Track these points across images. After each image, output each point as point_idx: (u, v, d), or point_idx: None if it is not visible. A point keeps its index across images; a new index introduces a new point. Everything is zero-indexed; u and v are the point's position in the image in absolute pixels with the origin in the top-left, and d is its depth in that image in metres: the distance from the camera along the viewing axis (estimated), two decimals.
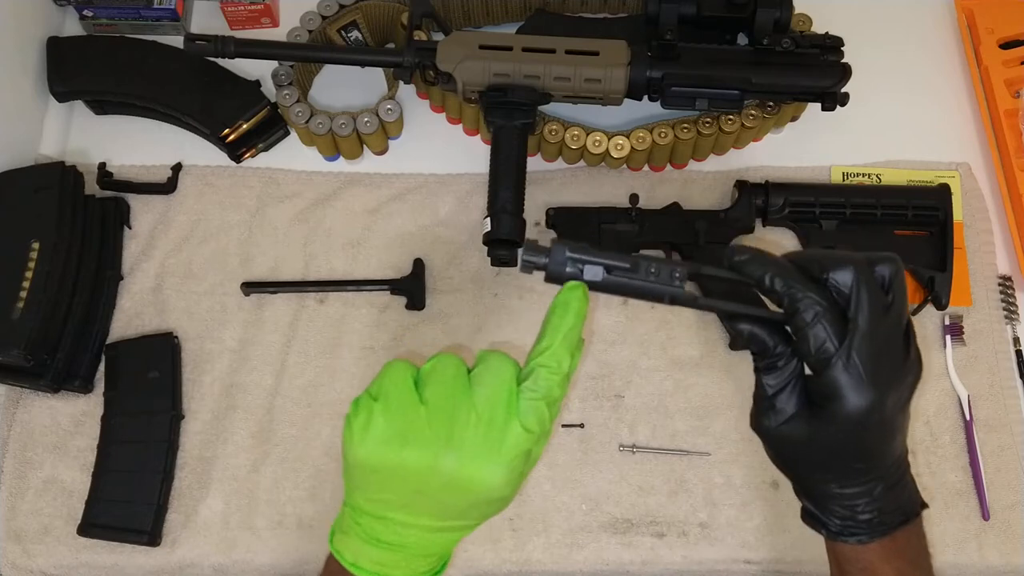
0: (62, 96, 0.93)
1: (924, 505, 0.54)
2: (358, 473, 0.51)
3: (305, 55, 0.88)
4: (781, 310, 0.49)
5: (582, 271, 0.50)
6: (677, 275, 0.50)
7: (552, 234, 0.89)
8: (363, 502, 0.52)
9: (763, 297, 0.51)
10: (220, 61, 0.91)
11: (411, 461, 0.49)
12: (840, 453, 0.50)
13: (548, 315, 0.51)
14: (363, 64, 0.86)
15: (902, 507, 0.52)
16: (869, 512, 0.51)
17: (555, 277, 0.50)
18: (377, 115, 0.88)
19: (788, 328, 0.50)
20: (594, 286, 0.50)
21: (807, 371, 0.50)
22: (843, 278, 0.48)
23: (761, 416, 0.52)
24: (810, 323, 0.47)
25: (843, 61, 0.84)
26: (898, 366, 0.48)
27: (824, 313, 0.47)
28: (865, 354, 0.47)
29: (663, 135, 0.87)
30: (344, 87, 0.95)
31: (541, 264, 0.50)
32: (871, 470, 0.50)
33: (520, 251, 0.49)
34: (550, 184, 0.92)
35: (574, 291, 0.50)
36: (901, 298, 0.49)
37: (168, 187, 0.92)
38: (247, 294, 0.88)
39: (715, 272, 0.51)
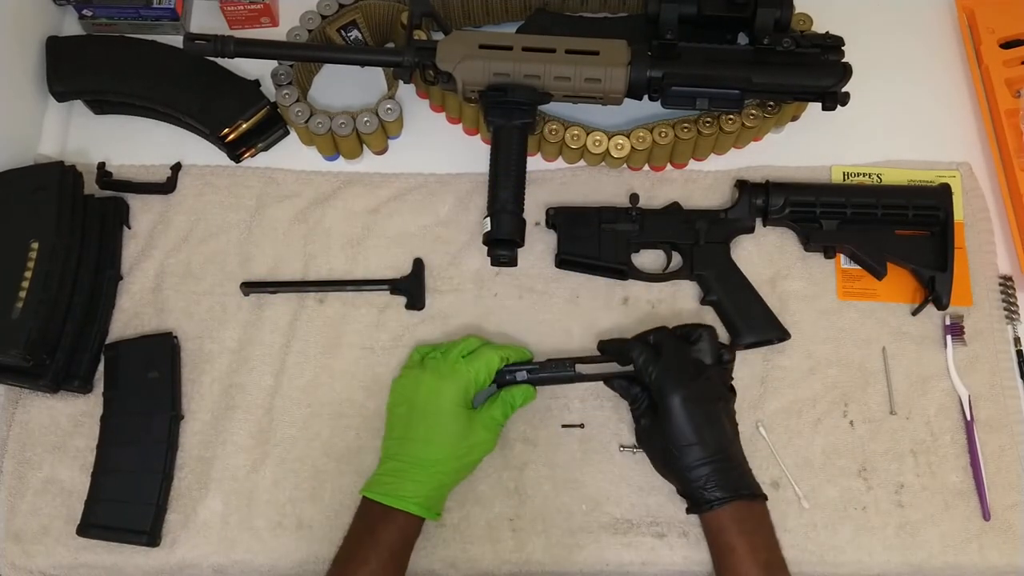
0: (61, 96, 0.93)
1: (764, 496, 0.76)
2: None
3: (305, 55, 0.88)
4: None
5: (515, 375, 0.80)
6: (568, 364, 0.80)
7: (552, 234, 0.89)
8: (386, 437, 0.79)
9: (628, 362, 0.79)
10: (219, 61, 0.91)
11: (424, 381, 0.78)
12: (680, 436, 0.74)
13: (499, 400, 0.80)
14: (363, 64, 0.86)
15: (740, 488, 0.74)
16: (715, 488, 0.73)
17: (499, 383, 0.80)
18: (377, 115, 0.88)
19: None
20: (528, 382, 0.80)
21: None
22: (655, 336, 0.79)
23: (639, 437, 0.80)
24: (638, 357, 0.77)
25: (843, 60, 0.83)
26: (702, 383, 0.76)
27: (645, 350, 0.77)
28: (670, 365, 0.76)
29: (663, 135, 0.87)
30: (344, 87, 0.95)
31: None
32: (705, 448, 0.73)
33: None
34: (550, 184, 0.92)
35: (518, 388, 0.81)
36: (705, 342, 0.79)
37: (167, 187, 0.91)
38: (246, 294, 0.88)
39: (590, 360, 0.81)
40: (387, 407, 0.81)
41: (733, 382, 0.84)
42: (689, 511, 0.76)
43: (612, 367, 0.80)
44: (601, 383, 0.82)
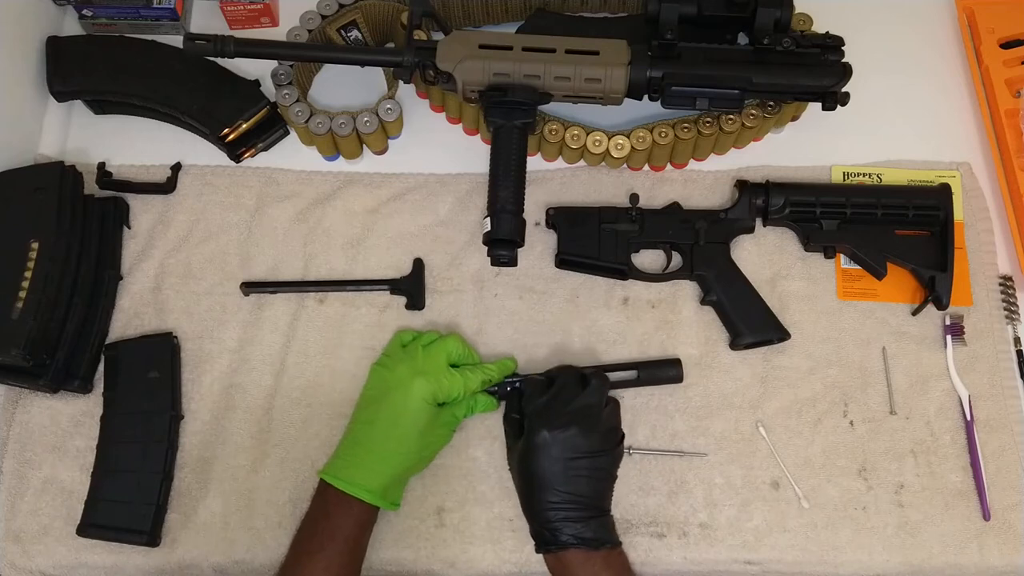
0: (61, 96, 0.93)
1: (617, 544, 0.74)
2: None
3: (305, 55, 0.88)
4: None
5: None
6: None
7: (552, 234, 0.89)
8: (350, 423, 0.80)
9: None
10: (220, 61, 0.91)
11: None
12: (534, 475, 0.73)
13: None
14: (363, 64, 0.86)
15: (588, 536, 0.71)
16: (562, 532, 0.71)
17: (502, 395, 0.82)
18: (377, 115, 0.88)
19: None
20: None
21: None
22: (554, 372, 0.79)
23: (508, 460, 0.80)
24: (527, 387, 0.78)
25: (843, 60, 0.83)
26: (574, 429, 0.73)
27: (535, 385, 0.77)
28: (552, 406, 0.75)
29: (663, 135, 0.87)
30: (344, 87, 0.95)
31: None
32: (556, 494, 0.72)
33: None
34: (550, 184, 0.92)
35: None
36: (594, 390, 0.76)
37: (167, 187, 0.91)
38: (246, 294, 0.88)
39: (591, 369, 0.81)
40: (362, 390, 0.81)
41: (734, 384, 0.84)
42: (536, 549, 0.74)
43: (631, 374, 0.83)
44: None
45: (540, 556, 0.80)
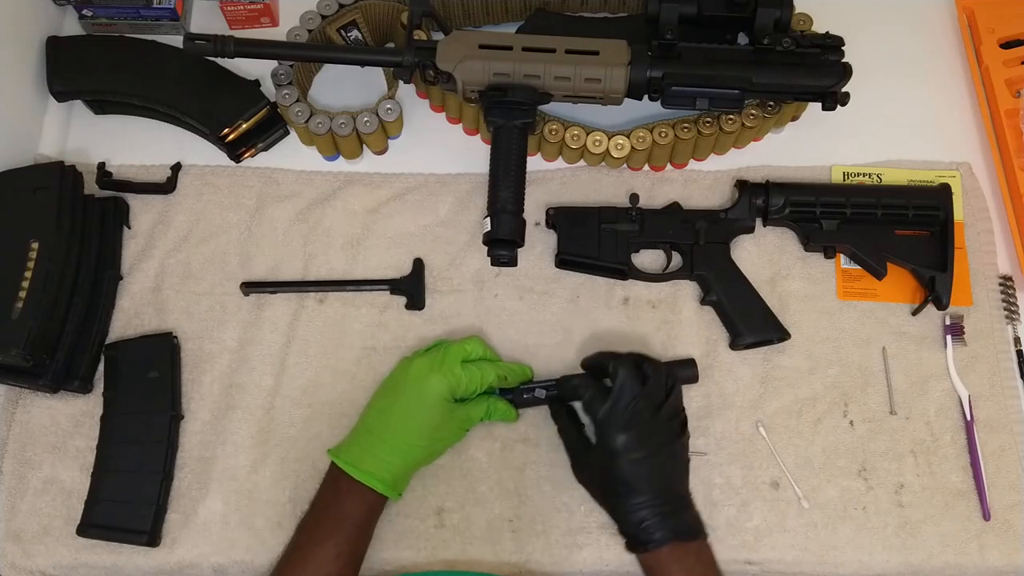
0: (61, 96, 0.93)
1: (705, 535, 0.74)
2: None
3: (305, 55, 0.88)
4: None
5: (533, 394, 0.81)
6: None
7: (552, 234, 0.89)
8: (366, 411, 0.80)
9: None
10: (220, 61, 0.91)
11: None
12: (620, 479, 0.73)
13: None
14: (363, 64, 0.86)
15: (680, 529, 0.72)
16: (654, 530, 0.71)
17: (517, 402, 0.82)
18: (377, 115, 0.88)
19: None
20: (547, 401, 0.82)
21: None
22: (611, 368, 0.76)
23: (576, 470, 0.79)
24: (584, 392, 0.76)
25: (843, 60, 0.84)
26: (648, 424, 0.73)
27: (591, 387, 0.76)
28: (619, 405, 0.74)
29: (663, 135, 0.87)
30: (344, 87, 0.95)
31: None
32: (644, 494, 0.72)
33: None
34: (550, 184, 0.92)
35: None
36: (656, 381, 0.75)
37: (167, 187, 0.91)
38: (247, 294, 0.88)
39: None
40: (384, 380, 0.82)
41: (734, 384, 0.84)
42: (628, 549, 0.74)
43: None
44: None
45: (538, 558, 0.80)
